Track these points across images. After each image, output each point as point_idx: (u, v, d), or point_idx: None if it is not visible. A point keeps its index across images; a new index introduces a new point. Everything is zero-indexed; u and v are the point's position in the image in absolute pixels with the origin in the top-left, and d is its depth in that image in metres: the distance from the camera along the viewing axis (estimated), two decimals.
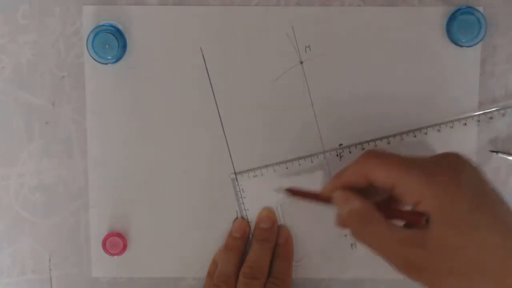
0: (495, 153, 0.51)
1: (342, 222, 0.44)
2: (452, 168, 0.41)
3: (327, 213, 0.52)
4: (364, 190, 0.44)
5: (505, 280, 0.38)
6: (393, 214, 0.42)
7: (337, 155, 0.51)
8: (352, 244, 0.52)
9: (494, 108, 0.51)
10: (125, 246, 0.52)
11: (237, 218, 0.52)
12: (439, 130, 0.51)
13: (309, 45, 0.51)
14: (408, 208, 0.42)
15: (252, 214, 0.52)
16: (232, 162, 0.52)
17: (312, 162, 0.51)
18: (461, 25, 0.49)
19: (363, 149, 0.51)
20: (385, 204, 0.44)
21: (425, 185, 0.40)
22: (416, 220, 0.40)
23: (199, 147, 0.52)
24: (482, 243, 0.38)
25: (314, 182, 0.52)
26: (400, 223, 0.42)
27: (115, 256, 0.52)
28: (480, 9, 0.49)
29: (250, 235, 0.52)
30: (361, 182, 0.43)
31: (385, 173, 0.42)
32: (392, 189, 0.41)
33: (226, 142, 0.52)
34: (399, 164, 0.41)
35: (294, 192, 0.49)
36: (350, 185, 0.44)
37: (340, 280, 0.53)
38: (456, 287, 0.39)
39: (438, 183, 0.40)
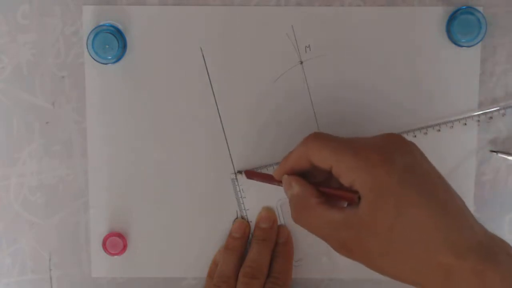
0: (495, 153, 0.51)
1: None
2: (387, 148, 0.41)
3: None
4: (311, 172, 0.44)
5: (437, 257, 0.37)
6: (332, 193, 0.43)
7: None
8: None
9: (494, 108, 0.51)
10: (125, 246, 0.52)
11: (237, 218, 0.52)
12: (439, 130, 0.51)
13: (309, 45, 0.51)
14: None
15: (252, 214, 0.52)
16: (232, 162, 0.52)
17: None
18: (461, 25, 0.49)
19: None
20: (327, 183, 0.45)
21: (356, 165, 0.40)
22: (350, 199, 0.41)
23: (199, 147, 0.52)
24: (410, 222, 0.38)
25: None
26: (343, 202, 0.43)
27: (115, 256, 0.52)
28: (480, 9, 0.49)
29: (250, 235, 0.52)
30: (305, 164, 0.44)
31: (322, 155, 0.42)
32: (331, 171, 0.42)
33: (226, 142, 0.52)
34: (334, 146, 0.42)
35: (250, 174, 0.50)
36: (296, 168, 0.45)
37: (340, 280, 0.53)
38: (388, 266, 0.40)
39: (369, 162, 0.40)
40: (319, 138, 0.43)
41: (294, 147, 0.43)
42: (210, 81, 0.51)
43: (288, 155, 0.45)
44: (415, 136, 0.51)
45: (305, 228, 0.43)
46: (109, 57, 0.50)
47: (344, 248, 0.41)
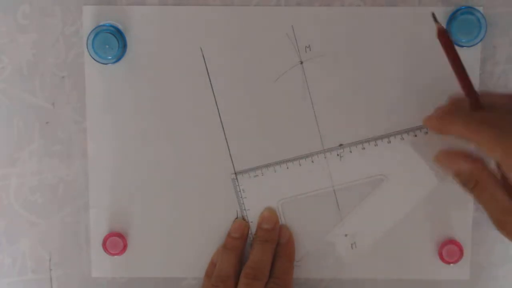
0: None
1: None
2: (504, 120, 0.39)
3: (328, 213, 0.52)
4: None
5: None
6: None
7: (337, 155, 0.51)
8: (352, 244, 0.52)
9: None
10: (125, 246, 0.52)
11: (237, 218, 0.52)
12: None
13: (309, 45, 0.51)
14: None
15: (253, 214, 0.52)
16: (232, 162, 0.52)
17: (312, 162, 0.51)
18: (461, 25, 0.49)
19: (363, 148, 0.51)
20: None
21: (494, 141, 0.38)
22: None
23: (199, 147, 0.52)
24: None
25: (315, 182, 0.52)
26: None
27: (115, 256, 0.52)
28: (480, 9, 0.49)
29: (250, 236, 0.52)
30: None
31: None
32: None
33: (226, 142, 0.52)
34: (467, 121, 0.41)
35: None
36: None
37: (340, 280, 0.53)
38: None
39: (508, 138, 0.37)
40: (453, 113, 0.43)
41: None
42: (210, 81, 0.51)
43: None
44: (415, 136, 0.51)
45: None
46: (109, 57, 0.50)
47: (504, 229, 0.41)
